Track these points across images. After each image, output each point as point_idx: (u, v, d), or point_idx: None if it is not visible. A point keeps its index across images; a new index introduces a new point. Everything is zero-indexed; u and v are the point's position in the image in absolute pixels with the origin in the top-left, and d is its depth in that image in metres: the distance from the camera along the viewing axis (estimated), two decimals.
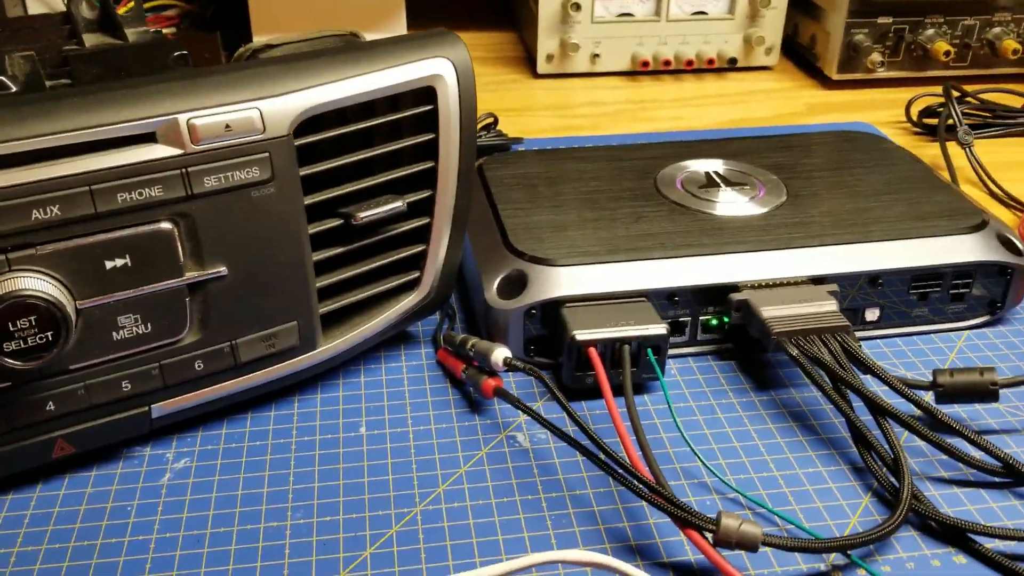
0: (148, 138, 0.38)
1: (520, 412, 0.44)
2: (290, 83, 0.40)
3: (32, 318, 0.35)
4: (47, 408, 0.38)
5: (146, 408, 0.40)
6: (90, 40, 0.44)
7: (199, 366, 0.41)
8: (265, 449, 0.42)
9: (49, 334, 0.36)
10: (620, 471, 0.37)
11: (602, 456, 0.38)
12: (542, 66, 0.88)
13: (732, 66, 0.90)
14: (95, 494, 0.39)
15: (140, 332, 0.39)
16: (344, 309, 0.45)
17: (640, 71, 0.90)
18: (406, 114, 0.44)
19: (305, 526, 0.38)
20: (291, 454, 0.42)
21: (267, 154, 0.40)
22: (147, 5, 0.88)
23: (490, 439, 0.43)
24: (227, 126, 0.39)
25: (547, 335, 0.47)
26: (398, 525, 0.38)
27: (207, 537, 0.37)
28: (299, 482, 0.40)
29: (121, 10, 0.87)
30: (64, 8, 0.46)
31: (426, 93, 0.44)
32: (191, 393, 0.41)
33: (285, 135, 0.40)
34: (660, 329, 0.44)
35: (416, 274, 0.47)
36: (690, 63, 0.89)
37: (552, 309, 0.46)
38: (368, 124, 0.43)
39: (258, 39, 0.48)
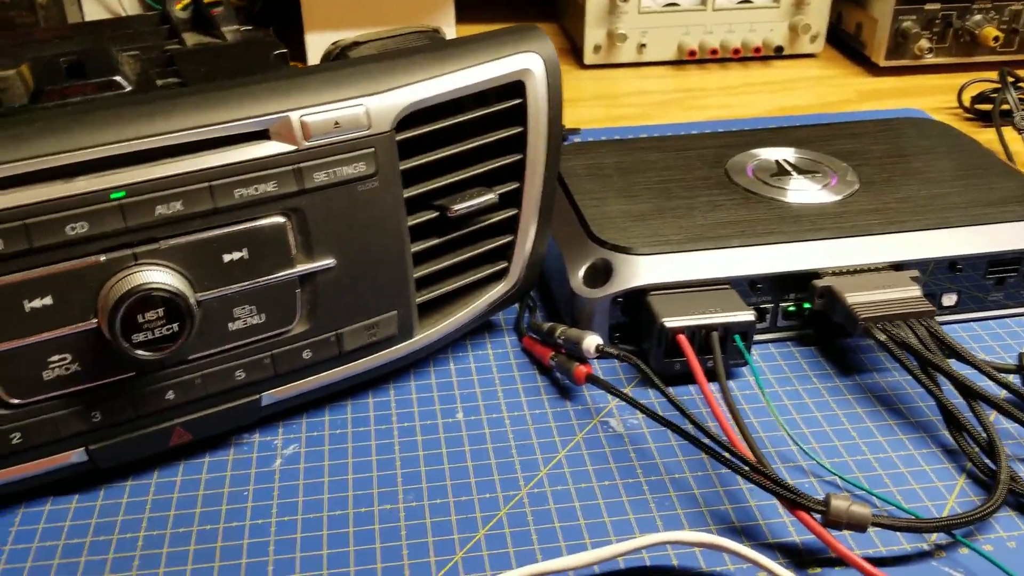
0: (262, 135, 0.39)
1: (611, 398, 0.46)
2: (393, 80, 0.41)
3: (160, 310, 0.36)
4: (167, 397, 0.40)
5: (257, 396, 0.42)
6: (190, 40, 0.45)
7: (307, 355, 0.42)
8: (368, 435, 0.43)
9: (175, 325, 0.37)
10: (725, 453, 0.38)
11: (705, 440, 0.39)
12: (589, 56, 0.89)
13: (778, 54, 0.91)
14: (211, 480, 0.41)
15: (254, 323, 0.40)
16: (437, 299, 0.46)
17: (686, 60, 0.90)
18: (498, 108, 0.45)
19: (417, 508, 0.39)
20: (394, 440, 0.43)
21: (372, 149, 0.41)
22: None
23: (584, 424, 0.44)
24: (336, 123, 0.40)
25: (631, 322, 0.48)
26: (506, 507, 0.40)
27: (324, 520, 0.39)
28: (406, 466, 0.42)
29: (178, 6, 0.88)
30: (160, 9, 0.47)
31: (514, 87, 0.45)
32: (299, 381, 0.43)
33: (388, 131, 0.41)
34: (748, 316, 0.45)
35: (504, 264, 0.48)
36: (736, 51, 0.90)
37: (637, 297, 0.47)
38: (465, 118, 0.44)
39: (346, 36, 0.49)
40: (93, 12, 0.87)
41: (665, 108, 0.82)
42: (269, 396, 0.42)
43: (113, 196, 0.36)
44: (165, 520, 0.39)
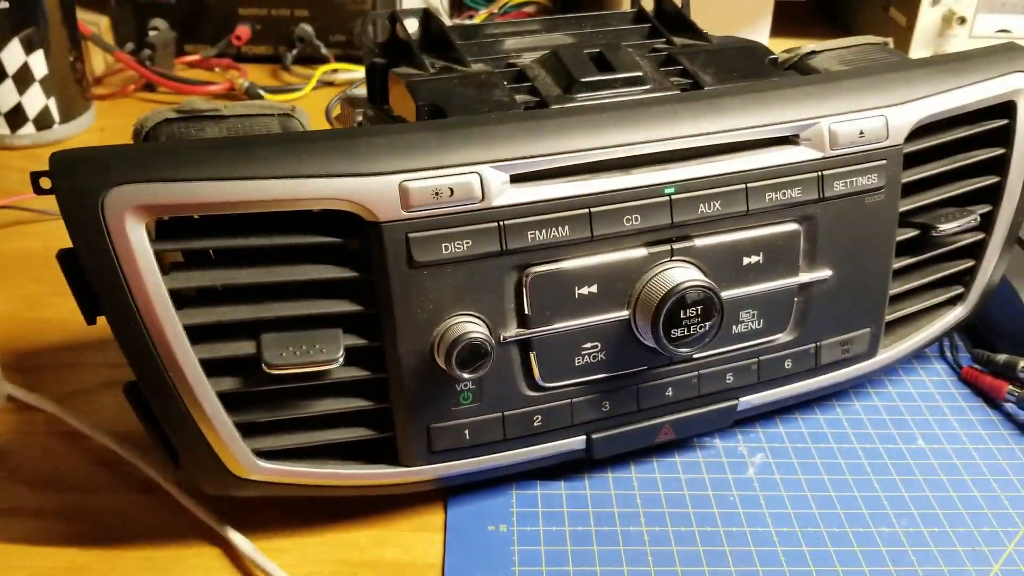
0: (791, 140, 0.38)
1: None
2: (909, 92, 0.40)
3: (698, 308, 0.36)
4: (666, 393, 0.40)
5: (736, 401, 0.41)
6: (676, 40, 0.45)
7: (788, 364, 0.41)
8: (832, 452, 0.42)
9: (707, 324, 0.37)
10: None
11: None
12: None
13: None
14: (691, 481, 0.40)
15: (753, 327, 0.40)
16: (894, 320, 0.45)
17: None
18: (988, 127, 0.43)
19: (916, 535, 0.38)
20: (862, 460, 0.42)
21: (884, 161, 0.40)
22: (512, 2, 0.92)
23: None
24: (861, 132, 0.39)
25: None
26: (1012, 544, 0.38)
27: (824, 535, 0.38)
28: (885, 489, 0.40)
29: (478, 19, 0.90)
30: (635, 7, 0.47)
31: (1003, 107, 0.43)
32: (774, 390, 0.42)
33: (900, 143, 0.40)
34: None
35: (960, 290, 0.46)
36: None
37: None
38: (961, 135, 0.42)
39: (804, 45, 0.48)
40: (410, 2, 0.90)
41: None
42: (745, 402, 0.42)
43: (666, 191, 0.36)
44: (662, 516, 0.39)
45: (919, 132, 0.41)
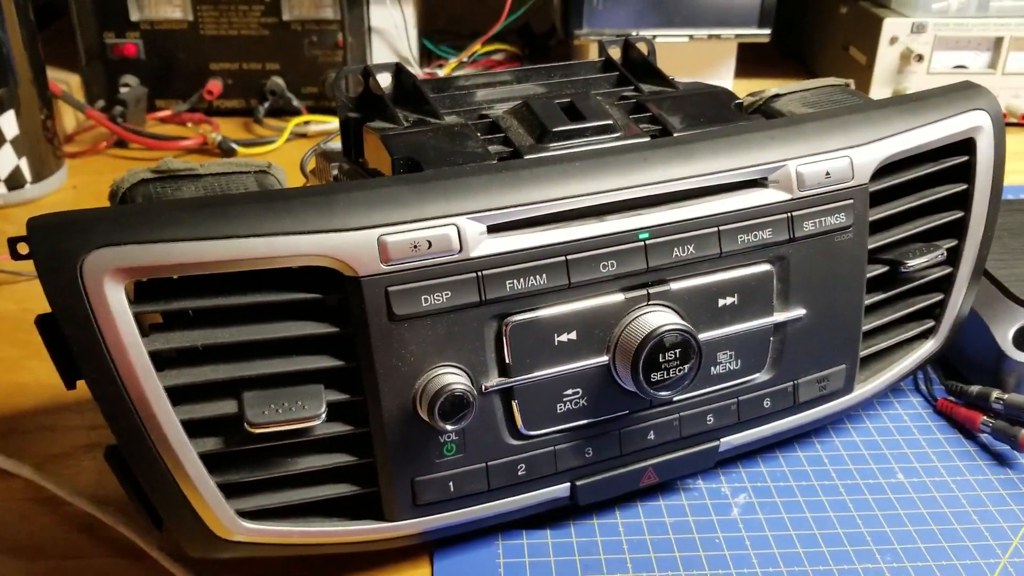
0: (760, 183, 0.39)
1: None
2: (872, 132, 0.41)
3: (676, 351, 0.37)
4: (648, 437, 0.40)
5: (717, 442, 0.42)
6: (643, 86, 0.46)
7: (767, 403, 0.42)
8: (814, 489, 0.43)
9: (687, 366, 0.37)
10: None
11: None
12: None
13: None
14: (676, 524, 0.40)
15: (731, 368, 0.40)
16: (869, 355, 0.46)
17: None
18: (950, 164, 0.44)
19: (901, 570, 0.38)
20: (843, 496, 0.42)
21: (851, 200, 0.41)
22: (481, 50, 0.93)
23: None
24: (827, 173, 0.40)
25: None
26: (994, 574, 0.38)
27: (810, 574, 0.38)
28: (868, 525, 0.40)
29: (448, 68, 0.91)
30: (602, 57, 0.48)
31: (964, 144, 0.44)
32: (754, 429, 0.42)
33: (865, 182, 0.41)
34: None
35: (931, 323, 0.47)
36: None
37: None
38: (923, 172, 0.43)
39: (767, 88, 0.49)
40: (381, 53, 0.91)
41: None
42: (726, 442, 0.42)
43: (641, 236, 0.37)
44: (648, 562, 0.39)
45: (883, 171, 0.42)
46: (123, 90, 0.84)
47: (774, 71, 1.01)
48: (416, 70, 0.93)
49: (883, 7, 0.88)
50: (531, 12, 0.96)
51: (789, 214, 0.39)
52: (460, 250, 0.34)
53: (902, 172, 0.44)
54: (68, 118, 0.84)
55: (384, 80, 0.47)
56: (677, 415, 0.40)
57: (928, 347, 0.47)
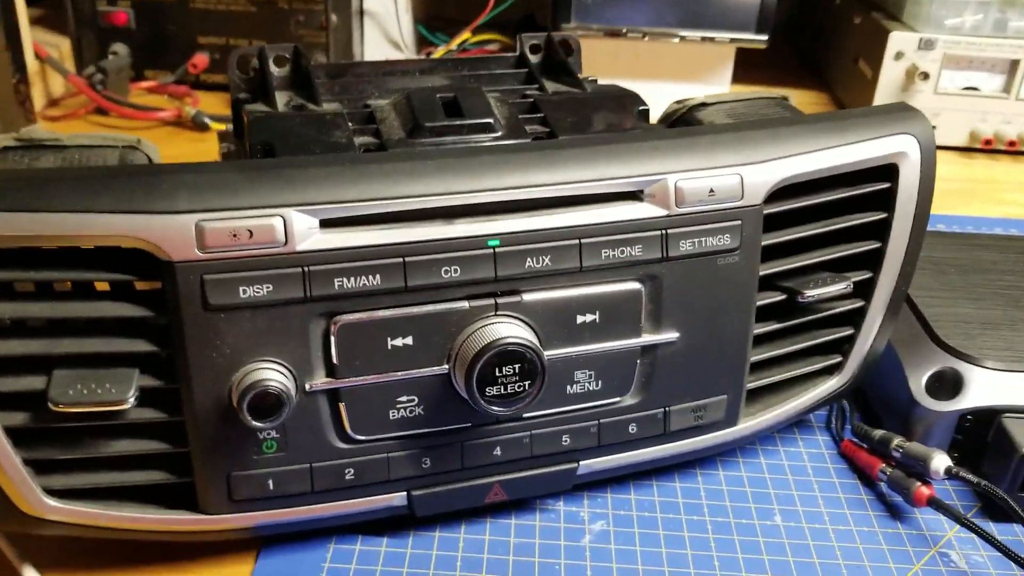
0: (635, 196, 0.37)
1: (950, 525, 0.40)
2: (771, 151, 0.38)
3: (516, 366, 0.35)
4: (494, 452, 0.38)
5: (575, 464, 0.39)
6: (549, 86, 0.44)
7: (632, 429, 0.40)
8: (679, 524, 0.40)
9: (527, 383, 0.35)
10: None
11: None
12: None
13: None
14: (520, 545, 0.39)
15: (590, 388, 0.38)
16: (763, 387, 0.43)
17: (978, 148, 0.84)
18: (866, 190, 0.41)
19: None
20: (708, 534, 0.40)
21: (739, 222, 0.38)
22: (473, 39, 0.91)
23: (921, 553, 0.39)
24: (711, 191, 0.37)
25: (968, 441, 0.43)
26: None
27: None
28: (725, 568, 0.38)
29: (437, 54, 0.89)
30: (517, 52, 0.46)
31: (885, 170, 0.41)
32: (618, 455, 0.40)
33: (758, 204, 0.38)
34: None
35: (838, 358, 0.44)
36: None
37: (988, 418, 0.42)
38: (832, 197, 0.40)
39: (692, 97, 0.47)
40: (372, 36, 0.90)
41: (961, 198, 0.75)
42: (586, 465, 0.40)
43: (490, 243, 0.35)
44: None
45: (785, 192, 0.39)
46: (109, 58, 0.84)
47: (781, 79, 0.97)
48: (409, 55, 0.92)
49: (894, 19, 0.83)
50: (535, 5, 0.94)
51: (663, 231, 0.37)
52: (285, 243, 0.33)
53: (810, 195, 0.40)
54: (56, 83, 0.84)
55: (283, 63, 0.45)
56: (528, 432, 0.38)
57: (832, 384, 0.44)
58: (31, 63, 0.75)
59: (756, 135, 0.38)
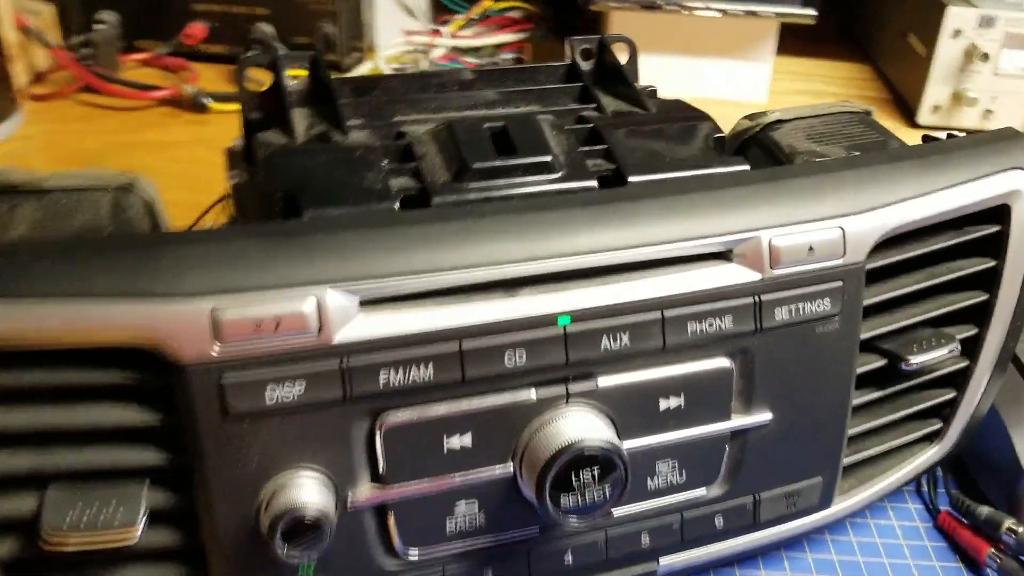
0: (723, 256, 0.32)
1: None
2: (874, 195, 0.33)
3: (596, 469, 0.29)
4: (565, 560, 0.33)
5: (654, 564, 0.34)
6: (607, 104, 0.38)
7: (719, 522, 0.34)
8: None
9: (607, 488, 0.30)
10: None
11: None
12: (925, 116, 0.77)
13: None
14: None
15: (673, 481, 0.33)
16: (854, 463, 0.38)
17: None
18: (974, 236, 0.36)
19: None
20: None
21: (841, 283, 0.33)
22: (495, 6, 0.85)
23: None
24: (811, 248, 0.32)
25: None
26: None
27: None
28: None
29: (454, 26, 0.81)
30: (570, 59, 0.40)
31: (995, 211, 0.36)
32: (702, 548, 0.35)
33: (861, 261, 0.33)
34: None
35: (938, 424, 0.39)
36: None
37: None
38: (939, 246, 0.35)
39: (768, 113, 0.41)
40: (383, 2, 0.82)
41: None
42: (667, 563, 0.35)
43: (561, 321, 0.30)
44: None
45: (888, 243, 0.34)
46: (96, 28, 0.74)
47: (823, 51, 0.89)
48: (423, 24, 0.85)
49: None
50: None
51: (756, 298, 0.31)
52: (320, 331, 0.27)
53: (914, 244, 0.35)
54: (39, 55, 0.75)
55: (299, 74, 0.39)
56: (603, 534, 0.33)
57: (932, 453, 0.39)
58: (10, 35, 0.67)
59: (856, 176, 0.33)
